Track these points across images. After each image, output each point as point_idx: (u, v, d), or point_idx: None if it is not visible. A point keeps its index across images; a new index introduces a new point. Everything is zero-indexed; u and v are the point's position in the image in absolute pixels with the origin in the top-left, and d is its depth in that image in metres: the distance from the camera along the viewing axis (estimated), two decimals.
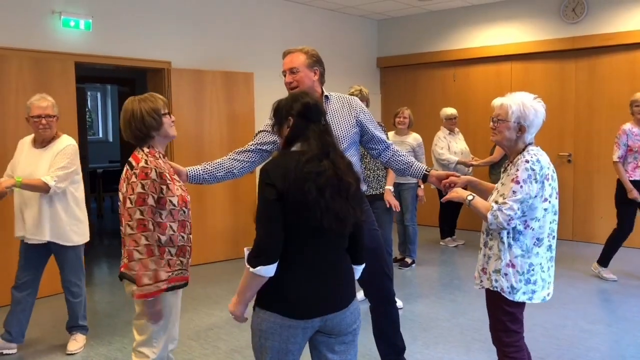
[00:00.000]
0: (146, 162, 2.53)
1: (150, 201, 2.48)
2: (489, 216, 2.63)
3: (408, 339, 4.20)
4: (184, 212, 2.64)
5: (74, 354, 3.99)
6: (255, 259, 2.02)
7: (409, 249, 6.27)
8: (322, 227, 2.02)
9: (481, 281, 2.83)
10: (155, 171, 2.51)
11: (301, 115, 2.15)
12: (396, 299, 3.62)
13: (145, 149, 2.61)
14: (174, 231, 2.59)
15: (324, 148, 2.11)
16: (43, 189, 3.70)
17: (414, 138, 5.92)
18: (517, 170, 2.63)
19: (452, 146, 6.89)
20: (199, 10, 6.61)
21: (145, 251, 2.45)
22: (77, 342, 4.08)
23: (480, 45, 8.03)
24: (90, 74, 8.01)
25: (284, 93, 7.27)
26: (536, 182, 2.60)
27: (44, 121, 3.75)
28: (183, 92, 6.31)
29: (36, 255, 3.95)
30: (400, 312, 4.68)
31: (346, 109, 3.23)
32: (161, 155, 2.66)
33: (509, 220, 2.59)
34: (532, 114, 2.66)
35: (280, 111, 2.21)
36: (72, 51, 5.55)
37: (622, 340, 4.19)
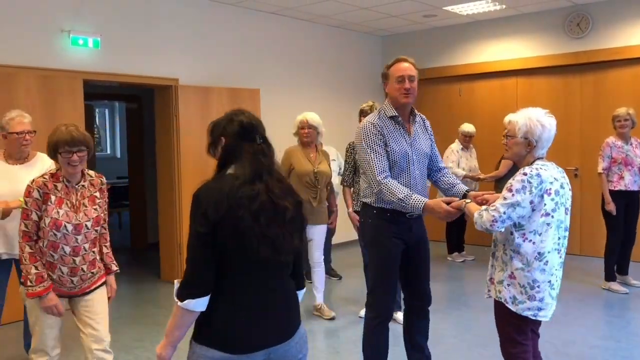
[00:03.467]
0: (32, 182, 2.88)
1: (34, 217, 2.85)
2: (475, 215, 2.73)
3: None
4: (55, 234, 2.84)
5: None
6: (184, 292, 1.89)
7: None
8: (258, 256, 1.90)
9: (488, 290, 2.89)
10: (38, 191, 2.84)
11: (234, 135, 2.01)
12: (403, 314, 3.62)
13: (54, 171, 2.94)
14: (42, 246, 2.88)
15: (257, 170, 1.95)
16: None
17: None
18: (514, 179, 2.69)
19: (461, 162, 6.92)
20: (206, 28, 6.67)
21: (28, 258, 2.85)
22: None
23: (485, 60, 8.06)
24: (99, 91, 8.09)
25: (290, 109, 7.31)
26: (530, 193, 2.62)
27: (27, 137, 3.76)
28: (190, 108, 6.35)
29: (4, 271, 3.93)
30: None
31: (422, 127, 3.42)
32: (65, 180, 2.91)
33: (492, 221, 2.65)
34: (539, 129, 2.69)
35: (214, 131, 2.07)
36: (80, 69, 5.62)
37: (632, 356, 4.14)
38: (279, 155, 5.36)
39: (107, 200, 3.14)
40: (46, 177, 2.91)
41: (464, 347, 4.35)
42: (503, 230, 2.72)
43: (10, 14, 5.16)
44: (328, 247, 6.13)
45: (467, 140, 7.01)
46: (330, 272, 6.40)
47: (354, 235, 3.97)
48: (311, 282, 5.26)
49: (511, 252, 2.71)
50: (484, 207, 2.73)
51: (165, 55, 6.30)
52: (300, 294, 2.18)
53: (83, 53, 5.66)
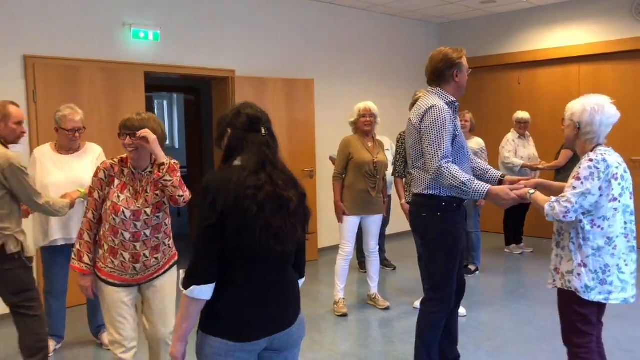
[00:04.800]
0: (101, 163, 2.90)
1: (96, 195, 2.85)
2: (546, 207, 2.69)
3: (471, 346, 4.13)
4: (114, 219, 2.78)
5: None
6: (189, 281, 1.92)
7: (472, 255, 6.15)
8: (262, 247, 1.91)
9: (554, 280, 2.87)
10: (104, 172, 2.84)
11: (240, 126, 2.05)
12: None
13: (124, 156, 2.91)
14: (105, 229, 2.84)
15: (261, 161, 1.99)
16: None
17: (476, 142, 5.81)
18: (580, 167, 2.69)
19: (519, 151, 6.73)
20: (261, 19, 6.74)
21: (78, 232, 2.90)
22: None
23: (546, 47, 7.80)
24: (158, 83, 8.30)
25: (344, 99, 7.27)
26: (599, 179, 2.63)
27: (77, 134, 3.91)
28: (246, 99, 6.30)
29: (65, 258, 3.96)
30: (463, 319, 4.62)
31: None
32: (131, 166, 2.87)
33: (565, 212, 2.64)
34: (580, 111, 2.73)
35: (221, 123, 2.11)
36: (141, 61, 5.78)
37: None
38: (335, 145, 5.37)
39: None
40: (115, 160, 2.90)
41: (523, 341, 4.26)
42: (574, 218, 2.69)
43: (74, 9, 5.36)
44: (382, 238, 6.11)
45: (522, 128, 6.81)
46: (384, 262, 6.38)
47: (408, 226, 3.93)
48: (366, 272, 5.27)
49: (580, 241, 2.69)
50: (554, 198, 2.69)
51: (222, 47, 6.39)
52: (300, 282, 2.21)
53: (144, 46, 5.81)
